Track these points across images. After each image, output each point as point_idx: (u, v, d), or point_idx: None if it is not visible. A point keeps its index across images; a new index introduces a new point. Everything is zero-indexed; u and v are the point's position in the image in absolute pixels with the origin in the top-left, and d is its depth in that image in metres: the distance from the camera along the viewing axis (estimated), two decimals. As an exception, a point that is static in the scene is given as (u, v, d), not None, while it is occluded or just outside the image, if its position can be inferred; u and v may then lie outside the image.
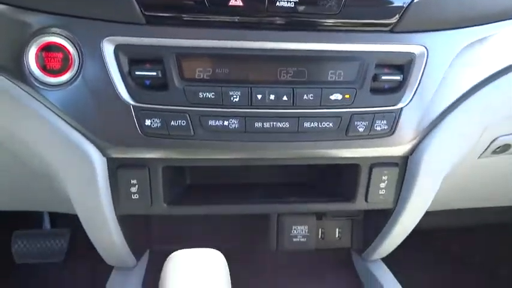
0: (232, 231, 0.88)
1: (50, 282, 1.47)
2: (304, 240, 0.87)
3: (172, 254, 0.46)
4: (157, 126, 0.60)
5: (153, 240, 0.90)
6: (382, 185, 0.73)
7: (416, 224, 0.81)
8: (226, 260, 0.61)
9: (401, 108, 0.66)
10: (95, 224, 0.70)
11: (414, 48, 0.65)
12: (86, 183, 0.64)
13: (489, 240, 1.58)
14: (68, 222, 1.50)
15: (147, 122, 0.60)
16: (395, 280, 0.85)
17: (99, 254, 0.80)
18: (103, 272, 0.83)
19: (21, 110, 0.61)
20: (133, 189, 0.66)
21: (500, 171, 0.96)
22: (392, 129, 0.66)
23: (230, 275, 0.51)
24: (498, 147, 0.85)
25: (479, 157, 0.85)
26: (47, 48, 0.58)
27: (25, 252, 1.47)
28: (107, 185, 0.65)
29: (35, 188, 0.88)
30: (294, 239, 0.87)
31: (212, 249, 0.46)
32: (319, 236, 0.89)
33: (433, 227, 1.46)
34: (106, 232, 0.70)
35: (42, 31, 0.58)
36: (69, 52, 0.59)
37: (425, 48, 0.66)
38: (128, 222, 0.73)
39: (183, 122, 0.61)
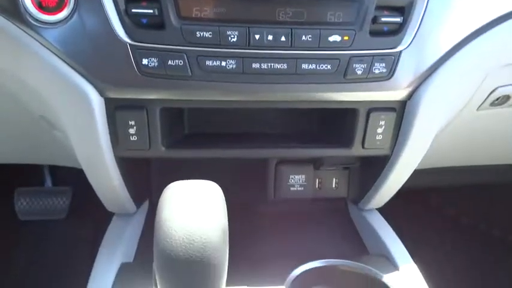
0: (231, 181, 0.89)
1: (53, 238, 1.50)
2: (301, 190, 0.88)
3: (170, 184, 0.46)
4: (154, 66, 0.60)
5: (152, 190, 0.91)
6: (379, 130, 0.73)
7: (411, 172, 0.81)
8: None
9: (401, 51, 0.66)
10: (94, 166, 0.71)
11: None
12: (84, 123, 0.64)
13: (485, 200, 1.60)
14: (69, 179, 1.51)
15: (144, 61, 0.60)
16: (390, 228, 0.86)
17: (100, 211, 0.82)
18: (105, 229, 0.84)
19: (20, 48, 0.61)
20: (132, 131, 0.66)
21: (499, 127, 0.96)
22: (390, 73, 0.66)
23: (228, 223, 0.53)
24: (497, 99, 0.85)
25: (478, 109, 0.85)
26: None
27: (28, 209, 1.50)
28: (105, 126, 0.65)
29: (36, 138, 0.88)
30: (292, 188, 0.88)
31: (209, 181, 0.47)
32: (316, 186, 0.90)
33: (429, 186, 1.48)
34: (106, 175, 0.71)
35: None
36: None
37: None
38: (128, 167, 0.74)
39: (180, 62, 0.60)
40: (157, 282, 0.43)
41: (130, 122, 0.66)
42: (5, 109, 0.78)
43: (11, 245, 1.50)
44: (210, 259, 0.40)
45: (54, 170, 1.53)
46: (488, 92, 0.82)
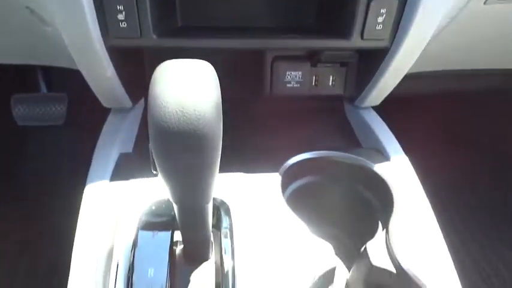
0: (227, 76, 0.88)
1: (52, 143, 1.53)
2: (297, 86, 0.87)
3: (163, 62, 0.45)
4: None
5: (147, 86, 0.90)
6: (380, 19, 0.70)
7: (410, 66, 0.80)
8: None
9: None
10: (86, 57, 0.69)
11: None
12: (70, 9, 0.61)
13: (485, 105, 1.60)
14: (63, 88, 1.50)
15: None
16: (385, 124, 0.87)
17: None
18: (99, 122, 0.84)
19: None
20: (121, 17, 0.64)
21: (507, 25, 0.92)
22: None
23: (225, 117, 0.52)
24: (507, -12, 0.80)
25: (485, 2, 0.81)
26: None
27: (26, 115, 1.50)
28: (93, 11, 0.62)
29: (27, 36, 0.85)
30: (288, 85, 0.87)
31: (202, 60, 0.46)
32: (313, 83, 0.89)
33: (428, 93, 1.47)
34: (98, 66, 0.69)
35: None
36: None
37: None
38: (121, 58, 0.72)
39: None
40: (155, 161, 0.44)
41: (118, 7, 0.63)
42: None
43: (10, 150, 1.53)
44: (204, 131, 0.40)
45: (49, 77, 1.50)
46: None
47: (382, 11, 0.70)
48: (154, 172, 0.47)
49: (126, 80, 0.76)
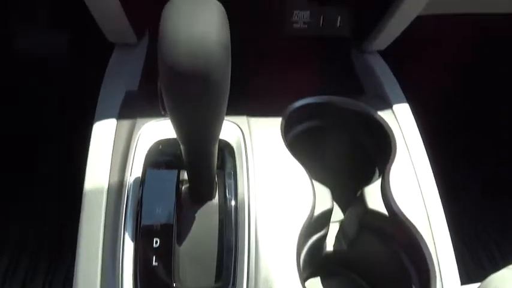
0: (232, 16, 0.85)
1: (58, 77, 1.51)
2: (304, 27, 0.85)
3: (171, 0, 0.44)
4: None
5: (152, 19, 0.88)
6: None
7: (419, 9, 0.78)
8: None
9: None
10: None
11: None
12: None
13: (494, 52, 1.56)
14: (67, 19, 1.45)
15: None
16: (389, 70, 0.87)
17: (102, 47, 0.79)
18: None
19: None
20: None
21: None
22: None
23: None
24: None
25: None
26: None
27: (29, 47, 1.47)
28: None
29: None
30: (295, 25, 0.85)
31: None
32: (320, 24, 0.87)
33: (439, 37, 1.43)
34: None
35: None
36: None
37: None
38: None
39: None
40: (164, 100, 0.44)
41: None
42: None
43: (14, 87, 1.52)
44: (213, 72, 0.40)
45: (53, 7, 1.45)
46: None
47: None
48: (163, 112, 0.48)
49: (130, 12, 0.75)
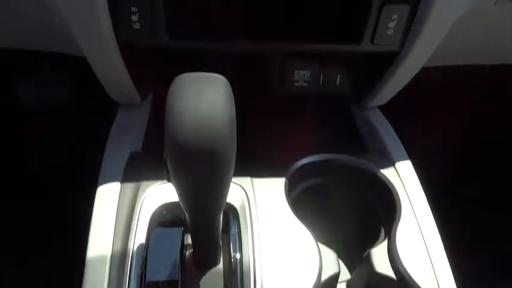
0: (234, 73, 0.88)
1: (56, 127, 1.53)
2: (305, 85, 0.87)
3: (179, 76, 0.46)
4: None
5: (157, 81, 0.90)
6: (391, 24, 0.70)
7: (418, 69, 0.80)
8: None
9: None
10: (97, 54, 0.69)
11: None
12: (84, 10, 0.61)
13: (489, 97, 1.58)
14: (70, 66, 1.48)
15: None
16: (390, 126, 0.88)
17: (103, 95, 0.81)
18: (106, 114, 0.85)
19: None
20: (134, 18, 0.64)
21: None
22: None
23: None
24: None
25: (495, 2, 0.80)
26: None
27: (29, 98, 1.50)
28: (106, 11, 0.62)
29: (33, 22, 0.84)
30: (296, 84, 0.87)
31: (217, 74, 0.46)
32: (320, 82, 0.90)
33: (434, 83, 1.46)
34: (109, 62, 0.69)
35: None
36: None
37: None
38: (131, 55, 0.72)
39: None
40: (170, 172, 0.45)
41: (132, 8, 0.63)
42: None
43: (14, 134, 1.53)
44: (219, 149, 0.41)
45: (53, 59, 1.49)
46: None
47: (393, 16, 0.69)
48: (169, 181, 0.48)
49: (135, 75, 0.77)
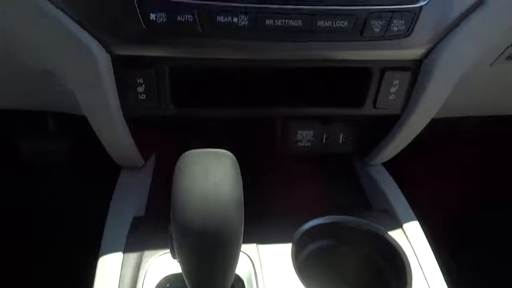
0: (236, 135, 0.88)
1: (57, 181, 1.52)
2: (308, 145, 0.88)
3: (184, 154, 0.46)
4: (162, 21, 0.57)
5: (160, 143, 0.91)
6: (393, 89, 0.71)
7: (421, 129, 0.81)
8: None
9: (421, 7, 0.62)
10: (102, 124, 0.70)
11: None
12: (89, 80, 0.62)
13: (490, 149, 1.59)
14: (72, 123, 1.50)
15: (152, 16, 0.57)
16: (394, 183, 0.88)
17: (104, 155, 0.82)
18: (108, 171, 0.84)
19: (18, 2, 0.57)
20: (140, 89, 0.65)
21: None
22: (409, 30, 0.63)
23: None
24: (513, 52, 0.82)
25: (491, 64, 0.82)
26: None
27: (31, 152, 1.50)
28: (113, 84, 0.63)
29: (38, 87, 0.86)
30: (299, 144, 0.87)
31: (224, 151, 0.46)
32: (323, 141, 0.90)
33: (433, 134, 1.47)
34: (114, 132, 0.70)
35: None
36: None
37: None
38: (137, 124, 0.73)
39: (190, 17, 0.57)
40: (175, 249, 0.44)
41: (138, 80, 0.64)
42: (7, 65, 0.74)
43: (14, 189, 1.52)
44: (226, 232, 0.41)
45: (56, 115, 1.50)
46: (504, 48, 0.79)
47: (395, 82, 0.71)
48: (174, 259, 0.47)
49: (140, 141, 0.77)
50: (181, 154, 0.46)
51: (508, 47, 0.79)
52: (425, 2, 0.62)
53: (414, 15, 0.62)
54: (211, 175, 0.43)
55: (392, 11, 0.61)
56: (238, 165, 0.46)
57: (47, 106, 1.02)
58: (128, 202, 0.76)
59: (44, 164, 1.53)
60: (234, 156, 0.47)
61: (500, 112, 1.17)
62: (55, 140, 1.50)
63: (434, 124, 0.98)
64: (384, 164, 0.94)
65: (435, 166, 1.51)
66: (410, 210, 0.81)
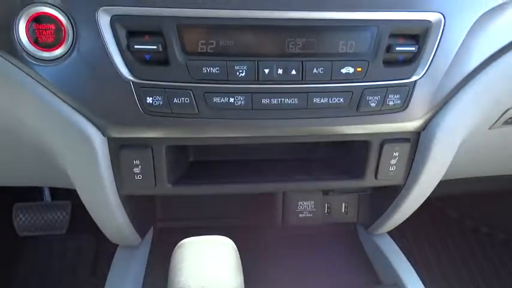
0: (236, 207, 0.86)
1: (54, 254, 1.48)
2: (310, 216, 0.86)
3: (182, 241, 0.44)
4: (159, 104, 0.57)
5: (157, 217, 0.88)
6: (393, 161, 0.70)
7: (424, 199, 0.79)
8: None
9: (415, 81, 0.63)
10: (97, 205, 0.68)
11: (431, 16, 0.61)
12: (86, 164, 0.61)
13: (491, 208, 1.57)
14: (68, 194, 1.48)
15: (149, 100, 0.57)
16: (402, 254, 0.84)
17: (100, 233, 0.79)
18: (106, 243, 0.82)
19: (14, 87, 0.58)
20: (137, 170, 0.64)
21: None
22: (405, 104, 0.63)
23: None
24: (511, 117, 0.82)
25: (490, 128, 0.82)
26: (38, 19, 0.54)
27: (27, 224, 1.47)
28: (109, 166, 0.62)
29: (35, 165, 0.85)
30: (300, 215, 0.85)
31: (222, 237, 0.44)
32: (325, 211, 0.88)
33: (435, 195, 1.44)
34: (109, 213, 0.68)
35: (32, 0, 0.54)
36: (61, 23, 0.55)
37: (442, 15, 0.62)
38: (132, 202, 0.71)
39: (187, 100, 0.57)
40: None
41: (135, 162, 0.63)
42: (2, 144, 0.74)
43: (10, 262, 1.47)
44: None
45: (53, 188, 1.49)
46: (501, 113, 0.79)
47: (395, 154, 0.70)
48: None
49: (135, 219, 0.75)
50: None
51: (504, 112, 0.79)
52: (419, 76, 0.63)
53: (409, 90, 0.63)
54: (209, 266, 0.41)
55: (387, 87, 0.62)
56: (237, 251, 0.44)
57: (44, 182, 1.01)
58: (123, 283, 0.72)
59: (39, 236, 1.49)
60: (232, 243, 0.45)
61: (500, 172, 1.16)
62: (52, 211, 1.48)
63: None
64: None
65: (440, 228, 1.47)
66: (421, 284, 0.77)
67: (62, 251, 1.48)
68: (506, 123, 0.83)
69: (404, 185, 0.74)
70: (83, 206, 0.77)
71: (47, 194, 1.54)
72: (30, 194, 1.51)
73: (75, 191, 0.96)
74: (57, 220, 1.50)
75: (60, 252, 1.48)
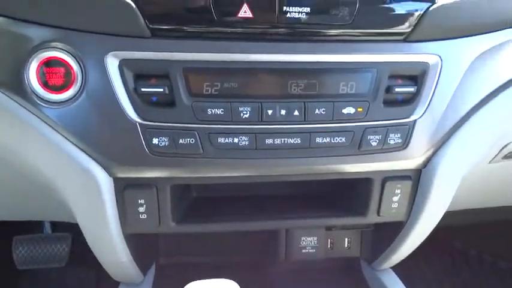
0: (239, 242, 0.86)
1: (53, 287, 1.46)
2: (313, 251, 0.85)
3: (187, 286, 0.44)
4: (165, 145, 0.58)
5: (159, 251, 0.88)
6: (395, 198, 0.71)
7: (427, 235, 0.79)
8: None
9: (415, 121, 0.64)
10: (100, 243, 0.68)
11: (428, 58, 0.63)
12: (91, 203, 0.62)
13: (494, 238, 1.56)
14: (69, 227, 1.47)
15: (155, 141, 0.58)
16: None
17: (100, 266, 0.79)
18: (106, 277, 0.81)
19: (22, 128, 0.59)
20: (141, 209, 0.64)
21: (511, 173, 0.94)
22: (405, 143, 0.65)
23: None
24: (510, 152, 0.83)
25: (490, 162, 0.83)
26: (49, 63, 0.56)
27: (27, 257, 1.45)
28: (114, 205, 0.63)
29: (38, 200, 0.85)
30: (303, 250, 0.85)
31: (227, 280, 0.44)
32: (328, 246, 0.88)
33: (438, 225, 1.44)
34: (113, 251, 0.68)
35: (43, 45, 0.55)
36: (71, 67, 0.56)
37: (439, 57, 0.64)
38: (135, 240, 0.71)
39: (192, 140, 0.59)
40: None
41: (140, 201, 0.64)
42: (5, 177, 0.75)
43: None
44: None
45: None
46: (500, 148, 0.81)
47: (396, 191, 0.71)
48: None
49: (138, 256, 0.75)
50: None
51: (503, 147, 0.80)
52: (419, 116, 0.64)
53: (409, 129, 0.64)
54: None
55: (388, 126, 0.63)
56: None
57: (45, 217, 1.01)
58: None
59: (39, 268, 1.47)
60: (237, 285, 0.45)
61: (502, 204, 1.17)
62: (52, 243, 1.46)
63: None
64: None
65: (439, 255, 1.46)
66: None
67: (62, 284, 1.46)
68: (505, 157, 0.84)
69: (407, 221, 0.75)
70: (84, 238, 0.77)
71: (47, 226, 1.53)
72: (30, 225, 1.50)
73: (75, 224, 0.96)
74: (56, 253, 1.48)
75: (59, 286, 1.45)
